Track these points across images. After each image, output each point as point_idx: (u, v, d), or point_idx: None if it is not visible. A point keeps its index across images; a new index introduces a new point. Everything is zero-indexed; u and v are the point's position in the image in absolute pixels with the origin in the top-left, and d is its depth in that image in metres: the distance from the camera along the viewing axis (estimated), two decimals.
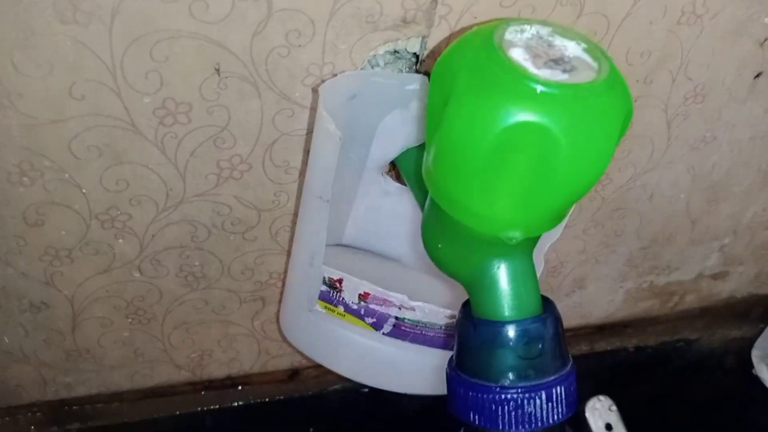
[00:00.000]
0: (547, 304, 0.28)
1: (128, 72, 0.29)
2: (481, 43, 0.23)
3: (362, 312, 0.36)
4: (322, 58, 0.31)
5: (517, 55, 0.22)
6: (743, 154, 0.44)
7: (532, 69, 0.22)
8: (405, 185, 0.36)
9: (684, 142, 0.42)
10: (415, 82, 0.31)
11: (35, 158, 0.32)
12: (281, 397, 0.53)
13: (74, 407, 0.49)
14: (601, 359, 0.59)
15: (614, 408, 0.61)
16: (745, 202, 0.49)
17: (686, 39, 0.35)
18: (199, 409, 0.51)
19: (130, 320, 0.42)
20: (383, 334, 0.37)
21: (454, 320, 0.36)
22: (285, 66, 0.31)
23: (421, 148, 0.32)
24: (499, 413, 0.26)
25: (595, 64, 0.23)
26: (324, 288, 0.36)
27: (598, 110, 0.22)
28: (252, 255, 0.40)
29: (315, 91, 0.32)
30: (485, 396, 0.27)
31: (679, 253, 0.52)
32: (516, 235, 0.25)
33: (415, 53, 0.33)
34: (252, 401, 0.52)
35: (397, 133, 0.33)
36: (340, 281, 0.35)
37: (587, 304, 0.55)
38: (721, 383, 0.64)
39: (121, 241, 0.37)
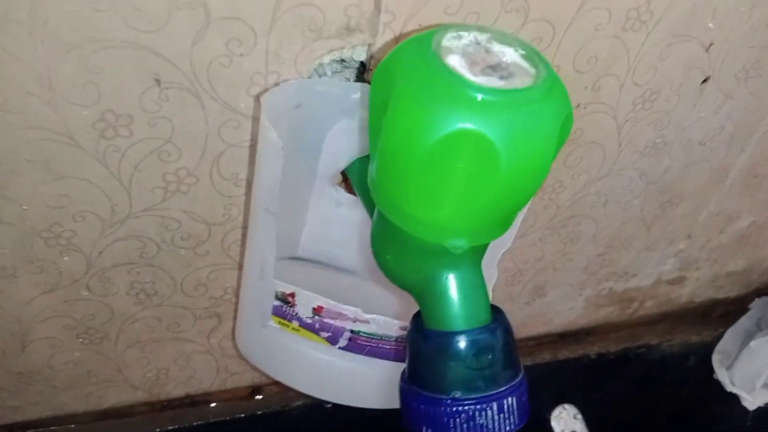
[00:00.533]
0: (497, 313, 0.28)
1: (63, 83, 0.28)
2: (418, 50, 0.22)
3: (317, 326, 0.35)
4: (266, 67, 0.30)
5: (455, 61, 0.22)
6: (694, 158, 0.45)
7: (469, 76, 0.22)
8: (356, 196, 0.35)
9: (635, 147, 0.42)
10: (357, 91, 0.31)
11: None
12: (243, 415, 0.52)
13: (25, 431, 0.47)
14: (564, 367, 0.59)
15: (579, 416, 0.61)
16: (698, 206, 0.50)
17: (632, 44, 0.36)
18: (158, 430, 0.50)
19: (81, 340, 0.41)
20: (339, 348, 0.36)
21: (406, 332, 0.35)
22: (228, 76, 0.30)
23: (369, 158, 0.32)
24: (451, 425, 0.26)
25: (532, 70, 0.23)
26: (277, 303, 0.35)
27: (535, 116, 0.22)
28: (205, 270, 0.39)
29: (259, 100, 0.31)
30: (437, 409, 0.26)
31: (635, 259, 0.53)
32: (461, 243, 0.25)
33: (361, 61, 0.32)
34: (213, 420, 0.51)
35: (344, 143, 0.33)
36: (292, 295, 0.34)
37: (548, 311, 0.55)
38: (683, 387, 0.64)
39: (66, 258, 0.36)
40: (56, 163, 0.31)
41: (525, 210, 0.31)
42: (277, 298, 0.35)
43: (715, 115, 0.42)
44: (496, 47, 0.23)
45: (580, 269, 0.51)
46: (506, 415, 0.26)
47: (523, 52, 0.23)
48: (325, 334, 0.35)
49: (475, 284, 0.27)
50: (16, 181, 0.31)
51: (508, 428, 0.26)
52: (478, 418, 0.26)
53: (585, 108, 0.38)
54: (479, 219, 0.24)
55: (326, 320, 0.35)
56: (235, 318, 0.43)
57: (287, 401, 0.53)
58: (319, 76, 0.32)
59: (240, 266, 0.40)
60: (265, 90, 0.31)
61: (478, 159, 0.22)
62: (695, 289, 0.60)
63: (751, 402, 0.58)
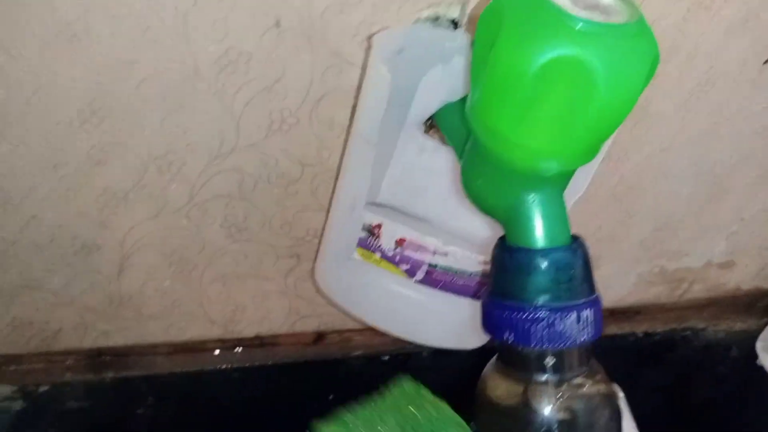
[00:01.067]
0: (576, 238, 0.31)
1: (198, 19, 0.32)
2: None
3: (397, 259, 0.39)
4: (372, 17, 0.34)
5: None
6: (750, 145, 0.47)
7: (572, 10, 0.25)
8: (440, 143, 0.38)
9: (697, 123, 0.45)
10: (457, 39, 0.34)
11: (105, 97, 0.35)
12: (305, 360, 0.55)
13: (110, 357, 0.51)
14: (610, 343, 0.61)
15: (621, 394, 0.63)
16: (753, 189, 0.51)
17: (696, 27, 0.38)
18: (227, 366, 0.53)
19: (172, 269, 0.45)
20: (416, 281, 0.39)
21: (483, 267, 0.38)
22: (337, 23, 0.34)
23: (462, 101, 0.35)
24: (532, 331, 0.29)
25: (626, 12, 0.26)
26: (362, 234, 0.38)
27: (631, 48, 0.25)
28: (292, 209, 0.43)
29: (367, 42, 0.34)
30: (520, 315, 0.29)
31: (689, 238, 0.55)
32: (552, 166, 0.28)
33: (453, 20, 0.36)
34: (278, 362, 0.54)
35: (437, 88, 0.36)
36: (378, 227, 0.38)
37: (601, 285, 0.57)
38: (725, 372, 0.66)
39: (174, 186, 0.40)
40: (180, 95, 0.35)
41: (601, 155, 0.34)
42: (364, 229, 0.38)
43: None
44: None
45: (636, 243, 0.54)
46: (583, 326, 0.29)
47: None
48: (404, 267, 0.39)
49: (558, 208, 0.30)
50: (144, 109, 0.35)
51: (583, 338, 0.29)
52: (557, 325, 0.29)
53: (656, 78, 0.40)
54: (571, 143, 0.27)
55: (407, 252, 0.38)
56: (314, 259, 0.46)
57: (347, 350, 0.56)
58: (439, 29, 0.36)
59: (325, 209, 0.43)
60: (367, 40, 0.35)
61: (576, 84, 0.25)
62: (743, 276, 0.61)
63: None
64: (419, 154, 0.39)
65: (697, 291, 0.62)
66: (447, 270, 0.38)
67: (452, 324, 0.41)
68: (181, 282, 0.46)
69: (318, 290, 0.48)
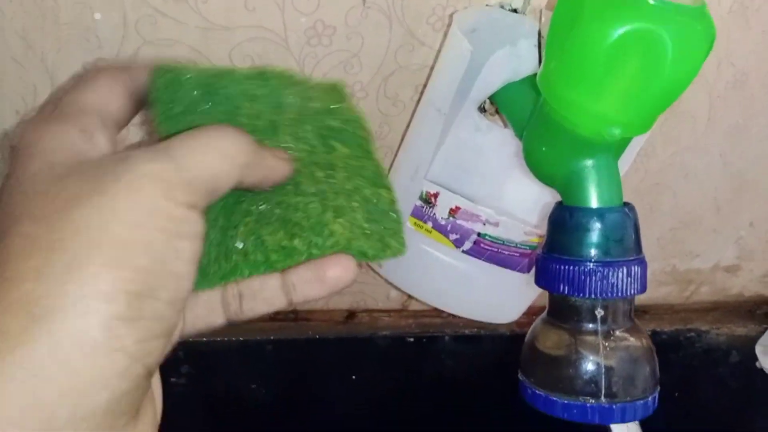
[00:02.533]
0: (627, 203, 0.34)
1: None
2: None
3: (448, 228, 0.42)
4: (446, 1, 0.38)
5: None
6: None
7: None
8: (493, 123, 0.42)
9: (721, 126, 0.49)
10: (525, 23, 0.38)
11: (201, 60, 0.38)
12: (335, 336, 0.58)
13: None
14: None
15: None
16: (765, 195, 0.56)
17: (735, 28, 0.43)
18: (261, 337, 0.56)
19: None
20: (462, 251, 0.43)
21: (529, 237, 0.42)
22: (416, 4, 0.37)
23: (523, 82, 0.39)
24: (587, 283, 0.32)
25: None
26: (419, 203, 0.42)
27: (696, 28, 0.29)
28: None
29: (449, 19, 0.38)
30: (576, 268, 0.32)
31: (701, 239, 0.59)
32: (616, 132, 0.31)
33: (515, 9, 0.39)
34: (309, 336, 0.57)
35: (502, 68, 0.39)
36: (435, 195, 0.41)
37: None
38: (725, 375, 0.69)
39: None
40: (267, 62, 0.38)
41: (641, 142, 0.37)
42: (421, 198, 0.41)
43: None
44: None
45: (653, 240, 0.57)
46: (632, 280, 0.32)
47: None
48: (453, 237, 0.42)
49: (614, 174, 0.33)
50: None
51: (632, 291, 0.32)
52: (611, 278, 0.32)
53: None
54: (635, 111, 0.31)
55: (459, 222, 0.41)
56: None
57: (375, 330, 0.59)
58: (510, 12, 0.39)
59: None
60: (441, 21, 0.38)
61: (648, 56, 0.28)
62: (747, 282, 0.65)
63: None
64: (474, 132, 0.42)
65: (704, 293, 0.66)
66: (495, 240, 0.42)
67: (493, 296, 0.44)
68: None
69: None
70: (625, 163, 0.41)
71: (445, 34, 0.39)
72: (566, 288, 0.33)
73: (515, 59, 0.38)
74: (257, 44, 0.37)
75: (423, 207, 0.42)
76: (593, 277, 0.32)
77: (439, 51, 0.39)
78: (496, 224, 0.41)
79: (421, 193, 0.41)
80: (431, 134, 0.38)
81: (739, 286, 0.66)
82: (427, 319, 0.60)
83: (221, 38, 0.37)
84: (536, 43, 0.38)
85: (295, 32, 0.37)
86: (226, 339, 0.55)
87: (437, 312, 0.61)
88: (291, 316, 0.56)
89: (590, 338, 0.33)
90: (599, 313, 0.33)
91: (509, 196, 0.43)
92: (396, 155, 0.44)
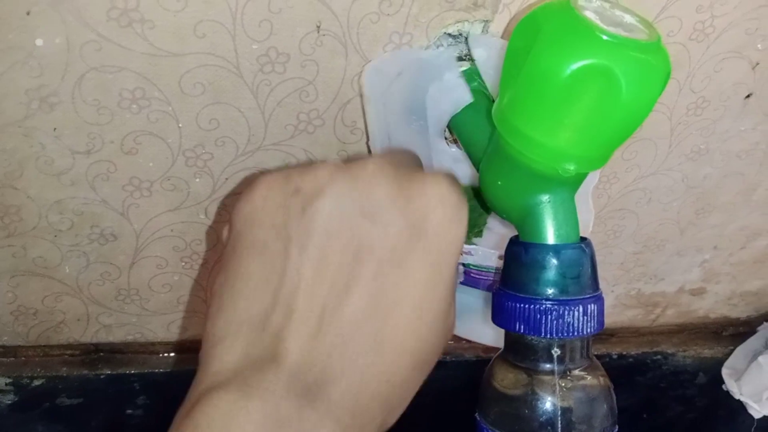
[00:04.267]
0: (584, 239, 0.33)
1: (247, 18, 0.35)
2: (560, 6, 0.29)
3: None
4: (403, 28, 0.37)
5: (590, 15, 0.29)
6: (731, 169, 0.51)
7: (601, 25, 0.28)
8: None
9: (682, 150, 0.49)
10: (442, 57, 0.37)
11: (148, 87, 0.36)
12: None
13: (106, 353, 0.52)
14: None
15: None
16: (728, 218, 0.56)
17: (694, 54, 0.42)
18: None
19: (183, 263, 0.46)
20: (460, 283, 0.42)
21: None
22: (372, 31, 0.37)
23: (469, 109, 0.38)
24: (543, 322, 0.32)
25: (646, 32, 0.29)
26: None
27: (651, 62, 0.28)
28: None
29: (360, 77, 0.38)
30: (531, 307, 0.32)
31: (666, 263, 0.59)
32: (571, 167, 0.31)
33: (467, 37, 0.39)
34: None
35: (440, 102, 0.39)
36: None
37: None
38: (692, 397, 0.69)
39: (197, 180, 0.41)
40: (218, 89, 0.37)
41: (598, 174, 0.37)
42: None
43: (753, 131, 0.49)
44: (618, 12, 0.30)
45: (617, 264, 0.57)
46: (588, 318, 0.32)
47: (638, 18, 0.30)
48: None
49: (570, 209, 0.33)
50: (181, 100, 0.37)
51: (589, 330, 0.32)
52: (566, 317, 0.31)
53: None
54: (590, 146, 0.30)
55: None
56: None
57: None
58: (437, 48, 0.39)
59: None
60: (398, 47, 0.38)
61: (603, 90, 0.28)
62: (712, 305, 0.65)
63: (757, 411, 0.63)
64: (454, 163, 0.41)
65: (670, 316, 0.65)
66: (480, 269, 0.41)
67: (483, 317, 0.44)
68: (189, 277, 0.47)
69: None
70: (582, 201, 0.41)
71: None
72: (522, 326, 0.32)
73: (447, 92, 0.38)
74: (208, 71, 0.36)
75: None
76: (549, 316, 0.31)
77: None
78: (469, 253, 0.40)
79: None
80: None
81: (705, 308, 0.66)
82: None
83: (170, 65, 0.36)
84: (459, 74, 0.37)
85: (248, 59, 0.36)
86: (183, 369, 0.54)
87: None
88: None
89: (546, 378, 0.32)
90: (555, 352, 0.32)
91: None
92: None
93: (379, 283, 0.28)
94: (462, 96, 0.38)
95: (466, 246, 0.39)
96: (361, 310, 0.27)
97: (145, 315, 0.49)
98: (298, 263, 0.27)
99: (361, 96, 0.38)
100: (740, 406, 0.66)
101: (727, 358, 0.68)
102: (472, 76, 0.38)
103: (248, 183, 0.30)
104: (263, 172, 0.30)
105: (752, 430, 0.65)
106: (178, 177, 0.41)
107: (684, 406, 0.70)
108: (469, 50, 0.39)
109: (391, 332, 0.28)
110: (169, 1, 0.33)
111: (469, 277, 0.41)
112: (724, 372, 0.67)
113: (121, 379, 0.52)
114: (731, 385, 0.65)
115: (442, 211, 0.30)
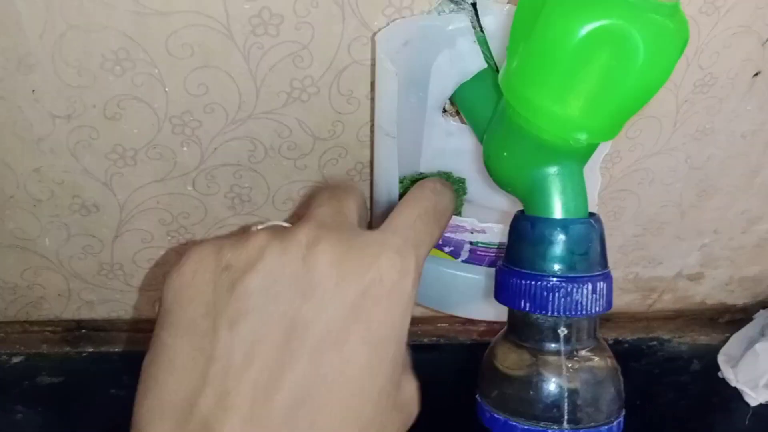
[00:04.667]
0: (593, 214, 0.32)
1: None
2: None
3: (439, 242, 0.39)
4: None
5: None
6: (735, 150, 0.50)
7: None
8: (464, 124, 0.39)
9: (687, 129, 0.47)
10: (457, 21, 0.35)
11: (133, 48, 0.34)
12: None
13: (89, 330, 0.50)
14: None
15: None
16: (729, 201, 0.54)
17: (704, 28, 0.41)
18: None
19: (169, 238, 0.44)
20: (462, 261, 0.40)
21: None
22: None
23: (475, 80, 0.36)
24: (550, 299, 0.30)
25: None
26: None
27: (669, 26, 0.26)
28: (297, 185, 0.43)
29: (402, 13, 0.36)
30: (538, 283, 0.30)
31: (665, 246, 0.57)
32: (582, 137, 0.29)
33: (474, 3, 0.37)
34: None
35: (448, 71, 0.37)
36: None
37: None
38: (687, 384, 0.68)
39: (185, 149, 0.39)
40: (207, 52, 0.35)
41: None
42: None
43: (760, 111, 0.47)
44: None
45: (616, 247, 0.56)
46: (597, 297, 0.30)
47: None
48: (447, 249, 0.39)
49: (579, 183, 0.31)
50: (168, 63, 0.35)
51: (597, 309, 0.30)
52: (574, 294, 0.30)
53: None
54: (603, 115, 0.28)
55: (447, 235, 0.39)
56: None
57: None
58: (438, 14, 0.37)
59: (327, 186, 0.44)
60: (398, 12, 0.36)
61: (618, 54, 0.26)
62: (709, 290, 0.64)
63: (754, 398, 0.62)
64: (447, 137, 0.40)
65: (666, 302, 0.64)
66: (489, 245, 0.39)
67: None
68: (175, 252, 0.46)
69: None
70: (590, 171, 0.39)
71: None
72: (527, 304, 0.30)
73: (458, 60, 0.36)
74: (197, 32, 0.34)
75: None
76: (556, 294, 0.30)
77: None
78: (483, 231, 0.38)
79: None
80: (390, 158, 0.36)
81: (702, 294, 0.65)
82: None
83: (156, 24, 0.34)
84: (474, 39, 0.35)
85: (239, 20, 0.34)
86: None
87: None
88: None
89: (552, 359, 0.31)
90: (562, 331, 0.30)
91: (497, 193, 0.41)
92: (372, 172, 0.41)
93: (316, 365, 0.25)
94: (475, 63, 0.36)
95: (479, 224, 0.38)
96: (296, 394, 0.25)
97: (130, 291, 0.48)
98: (227, 343, 0.25)
99: (375, 68, 0.36)
100: (735, 394, 0.65)
101: (722, 345, 0.67)
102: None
103: (181, 254, 0.28)
104: (196, 243, 0.29)
105: (748, 417, 0.64)
106: (164, 145, 0.39)
107: (678, 392, 0.69)
108: (474, 17, 0.37)
109: (329, 418, 0.25)
110: None
111: (475, 255, 0.40)
112: (720, 359, 0.66)
113: (104, 358, 0.51)
114: (727, 372, 0.64)
115: (387, 283, 0.27)
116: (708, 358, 0.68)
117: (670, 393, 0.70)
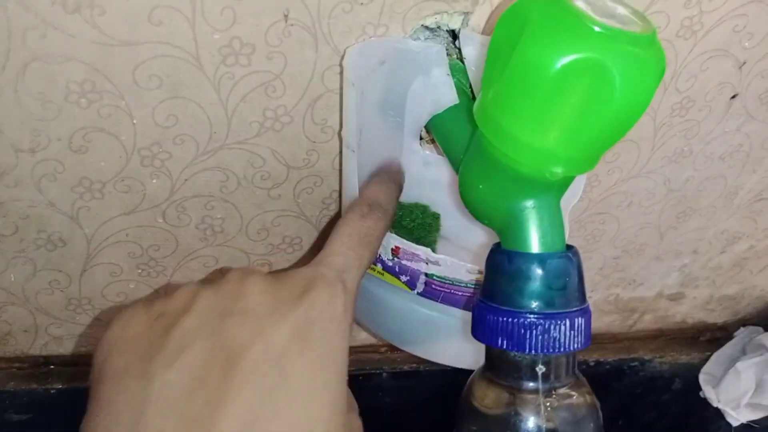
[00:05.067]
0: (570, 247, 0.31)
1: (207, 4, 0.32)
2: None
3: (397, 269, 0.38)
4: (378, 19, 0.34)
5: (580, 5, 0.26)
6: (713, 171, 0.50)
7: (593, 16, 0.26)
8: (442, 155, 0.39)
9: (665, 152, 0.47)
10: (433, 51, 0.35)
11: (99, 79, 0.33)
12: None
13: (58, 366, 0.48)
14: None
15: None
16: (708, 222, 0.54)
17: (681, 51, 0.41)
18: None
19: (139, 271, 0.43)
20: (417, 293, 0.39)
21: (476, 276, 0.38)
22: (345, 22, 0.34)
23: (451, 109, 0.36)
24: (527, 337, 0.29)
25: (641, 24, 0.27)
26: None
27: (646, 56, 0.26)
28: (272, 215, 0.42)
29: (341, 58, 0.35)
30: (515, 321, 0.29)
31: (645, 267, 0.57)
32: (559, 170, 0.28)
33: (453, 30, 0.36)
34: None
35: (423, 99, 0.36)
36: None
37: None
38: (669, 403, 0.68)
39: (154, 181, 0.38)
40: (176, 82, 0.34)
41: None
42: None
43: (737, 132, 0.47)
44: (610, 2, 0.28)
45: (596, 270, 0.55)
46: (576, 333, 0.30)
47: (631, 10, 0.28)
48: (404, 278, 0.38)
49: (556, 215, 0.31)
50: (136, 94, 0.34)
51: (575, 346, 0.30)
52: (552, 332, 0.29)
53: None
54: (580, 148, 0.28)
55: (404, 262, 0.38)
56: (288, 269, 0.45)
57: None
58: (414, 41, 0.36)
59: (303, 216, 0.43)
60: (372, 38, 0.35)
61: (594, 87, 0.26)
62: (690, 310, 0.64)
63: (735, 419, 0.62)
64: (424, 166, 0.39)
65: (647, 322, 0.64)
66: (443, 280, 0.38)
67: (456, 339, 0.41)
68: (146, 285, 0.44)
69: None
70: (568, 204, 0.39)
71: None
72: (504, 342, 0.30)
73: (432, 90, 0.35)
74: (165, 63, 0.33)
75: None
76: (534, 331, 0.29)
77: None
78: (437, 264, 0.37)
79: None
80: (351, 173, 0.35)
81: (683, 313, 0.65)
82: (363, 356, 0.56)
83: (122, 55, 0.33)
84: (448, 72, 0.35)
85: (209, 50, 0.33)
86: None
87: (374, 348, 0.57)
88: None
89: (530, 397, 0.30)
90: (540, 369, 0.30)
91: (471, 236, 0.40)
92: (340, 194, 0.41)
93: (258, 388, 0.25)
94: (447, 96, 0.35)
95: (435, 255, 0.37)
96: (243, 420, 0.24)
97: (100, 325, 0.46)
98: (165, 382, 0.25)
99: (342, 79, 0.35)
100: (717, 412, 0.65)
101: (703, 364, 0.67)
102: (453, 71, 0.35)
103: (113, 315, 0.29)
104: (127, 305, 0.29)
105: None
106: (132, 177, 0.38)
107: (660, 412, 0.69)
108: (452, 47, 0.36)
109: None
110: None
111: (430, 288, 0.39)
112: (702, 378, 0.66)
113: (74, 394, 0.49)
114: (709, 393, 0.64)
115: (318, 307, 0.28)
116: (689, 377, 0.67)
117: (652, 412, 0.70)
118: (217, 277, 0.30)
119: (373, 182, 0.36)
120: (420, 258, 0.37)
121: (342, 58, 0.35)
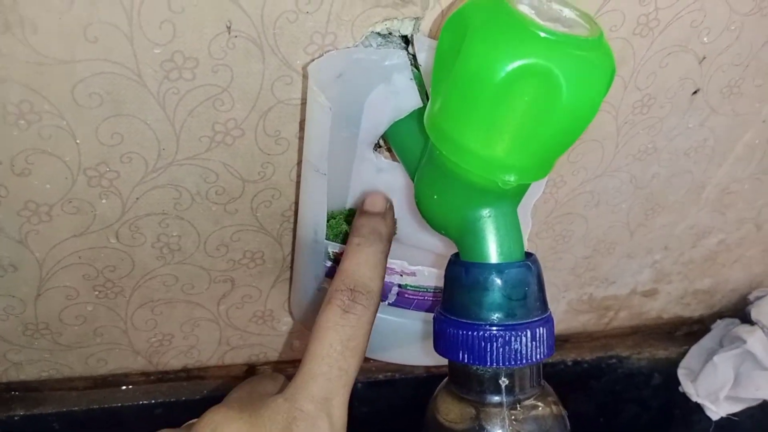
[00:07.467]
0: (529, 254, 0.30)
1: (144, 19, 0.30)
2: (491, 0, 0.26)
3: None
4: (325, 27, 0.33)
5: (524, 9, 0.26)
6: (679, 167, 0.49)
7: (537, 21, 0.25)
8: (396, 161, 0.38)
9: (629, 150, 0.46)
10: (394, 57, 0.34)
11: (36, 100, 0.32)
12: None
13: (20, 392, 0.47)
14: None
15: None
16: (677, 218, 0.54)
17: (639, 49, 0.40)
18: (152, 401, 0.50)
19: (96, 293, 0.42)
20: (388, 304, 0.38)
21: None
22: (291, 32, 0.33)
23: (410, 118, 0.35)
24: (488, 350, 0.28)
25: (587, 26, 0.26)
26: (328, 263, 0.37)
27: (593, 61, 0.25)
28: (230, 230, 0.41)
29: (325, 50, 0.34)
30: (475, 334, 0.29)
31: (616, 266, 0.57)
32: (511, 178, 0.28)
33: (405, 36, 0.35)
34: (206, 395, 0.51)
35: (382, 107, 0.35)
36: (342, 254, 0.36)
37: None
38: (648, 399, 0.68)
39: (104, 201, 0.37)
40: (119, 99, 0.33)
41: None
42: (329, 258, 0.37)
43: (701, 127, 0.47)
44: (555, 6, 0.27)
45: (568, 270, 0.55)
46: (537, 344, 0.29)
47: (578, 13, 0.27)
48: None
49: (513, 223, 0.30)
50: (77, 113, 0.33)
51: (538, 357, 0.29)
52: (513, 343, 0.28)
53: None
54: (530, 155, 0.27)
55: None
56: (248, 285, 0.44)
57: None
58: (365, 48, 0.36)
59: (263, 230, 0.42)
60: (321, 49, 0.34)
61: (541, 93, 0.25)
62: (665, 305, 0.64)
63: (714, 412, 0.62)
64: (377, 173, 0.38)
65: (623, 319, 0.64)
66: (417, 289, 0.38)
67: (429, 341, 0.41)
68: (105, 307, 0.43)
69: (296, 322, 0.46)
70: (531, 200, 0.38)
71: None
72: (465, 356, 0.29)
73: (393, 97, 0.34)
74: (104, 80, 0.32)
75: (335, 267, 0.37)
76: (494, 344, 0.28)
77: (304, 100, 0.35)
78: (413, 275, 0.37)
79: (328, 253, 0.37)
80: (319, 195, 0.34)
81: (658, 309, 0.64)
82: None
83: (59, 74, 0.31)
84: (411, 77, 0.34)
85: (150, 65, 0.32)
86: (110, 406, 0.49)
87: None
88: (182, 375, 0.50)
89: (495, 410, 0.29)
90: (503, 382, 0.29)
91: (427, 233, 0.39)
92: (296, 212, 0.39)
93: None
94: (410, 100, 0.34)
95: (409, 267, 0.36)
96: None
97: (59, 350, 0.45)
98: None
99: (308, 90, 0.34)
100: (697, 406, 0.65)
101: (681, 358, 0.67)
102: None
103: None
104: None
105: (711, 430, 0.64)
106: (80, 199, 0.36)
107: (640, 407, 0.68)
108: (406, 51, 0.35)
109: None
110: (52, 1, 0.29)
111: (402, 298, 0.38)
112: (680, 373, 0.66)
113: (37, 420, 0.48)
114: (687, 387, 0.64)
115: None
116: (668, 372, 0.67)
117: (632, 408, 0.69)
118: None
119: (355, 248, 0.32)
120: (394, 271, 0.37)
121: (291, 68, 0.34)
